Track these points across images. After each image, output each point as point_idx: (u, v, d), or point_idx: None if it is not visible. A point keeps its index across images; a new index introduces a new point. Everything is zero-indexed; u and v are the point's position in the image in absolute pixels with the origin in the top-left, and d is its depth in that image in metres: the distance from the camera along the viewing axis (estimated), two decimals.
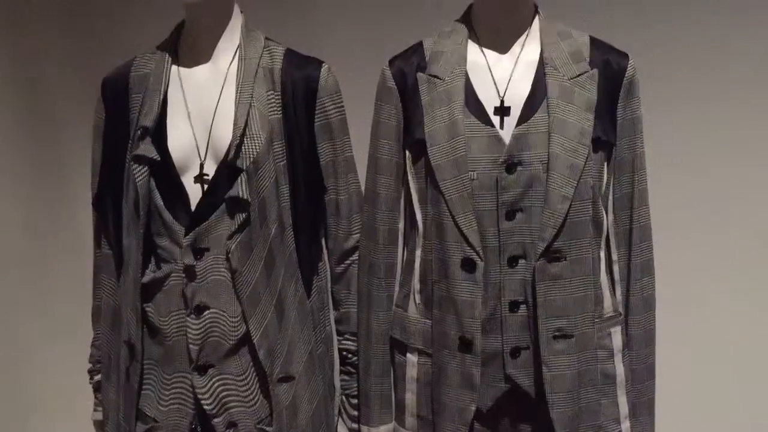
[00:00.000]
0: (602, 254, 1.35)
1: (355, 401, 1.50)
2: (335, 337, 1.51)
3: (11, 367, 1.91)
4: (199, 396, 1.35)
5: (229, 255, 1.32)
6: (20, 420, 1.92)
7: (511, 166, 1.27)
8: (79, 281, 1.83)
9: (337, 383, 1.50)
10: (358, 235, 1.47)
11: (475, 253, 1.27)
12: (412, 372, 1.39)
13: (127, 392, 1.40)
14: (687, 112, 2.03)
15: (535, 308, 1.27)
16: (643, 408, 1.39)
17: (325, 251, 1.49)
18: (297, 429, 1.38)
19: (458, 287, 1.29)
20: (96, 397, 1.53)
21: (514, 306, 1.29)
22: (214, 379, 1.35)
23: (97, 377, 1.50)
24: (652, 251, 1.40)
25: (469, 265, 1.28)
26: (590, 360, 1.30)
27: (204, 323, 1.34)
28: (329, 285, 1.50)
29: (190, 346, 1.34)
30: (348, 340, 1.50)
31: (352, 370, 1.50)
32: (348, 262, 1.49)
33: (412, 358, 1.39)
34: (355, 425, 1.50)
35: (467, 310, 1.28)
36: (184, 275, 1.34)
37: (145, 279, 1.36)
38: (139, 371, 1.38)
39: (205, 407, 1.35)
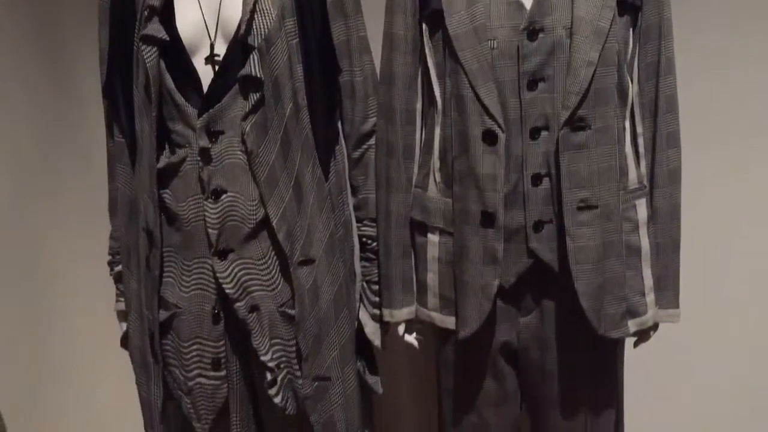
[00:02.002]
0: (627, 125, 1.31)
1: (375, 287, 1.49)
2: (354, 224, 1.49)
3: (30, 274, 1.93)
4: (221, 280, 1.35)
5: (245, 136, 1.29)
6: (38, 324, 1.95)
7: (532, 33, 1.22)
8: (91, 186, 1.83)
9: (358, 269, 1.49)
10: (374, 118, 1.44)
11: (496, 125, 1.24)
12: (433, 252, 1.38)
13: (148, 281, 1.40)
14: None
15: (559, 180, 1.25)
16: (667, 281, 1.38)
17: (341, 135, 1.46)
18: (319, 312, 1.38)
19: (479, 161, 1.26)
20: (117, 288, 1.53)
21: (536, 179, 1.26)
22: (234, 264, 1.35)
23: (118, 268, 1.50)
24: (678, 122, 1.35)
25: (490, 138, 1.25)
26: (615, 232, 1.28)
27: (222, 207, 1.32)
28: (347, 170, 1.48)
29: (209, 230, 1.33)
30: (367, 226, 1.49)
31: (372, 257, 1.49)
32: (365, 146, 1.46)
33: (433, 238, 1.38)
34: (376, 311, 1.50)
35: (489, 184, 1.26)
36: (199, 159, 1.31)
37: (160, 164, 1.34)
38: (159, 259, 1.38)
39: (227, 291, 1.35)
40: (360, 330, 1.51)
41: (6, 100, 1.81)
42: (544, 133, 1.25)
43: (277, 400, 1.39)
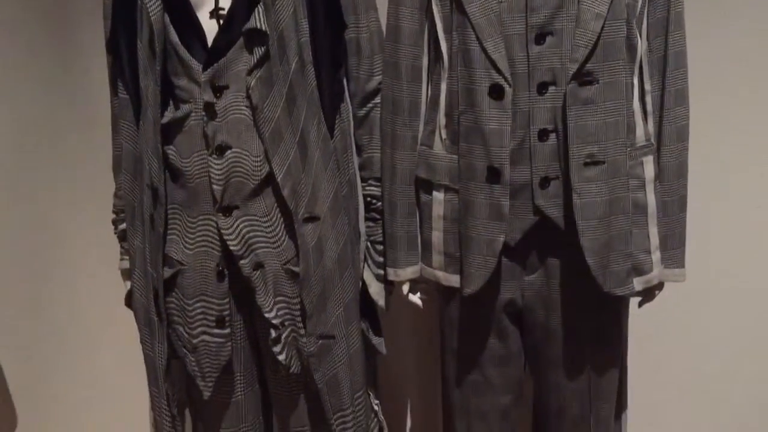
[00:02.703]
0: (635, 81, 1.30)
1: (380, 247, 1.49)
2: (359, 183, 1.48)
3: (30, 233, 1.93)
4: (225, 237, 1.34)
5: (250, 91, 1.28)
6: (39, 281, 1.95)
7: None
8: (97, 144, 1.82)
9: (362, 229, 1.49)
10: (380, 76, 1.43)
11: (503, 79, 1.23)
12: (438, 210, 1.37)
13: (153, 238, 1.39)
14: None
15: (566, 136, 1.24)
16: (674, 240, 1.37)
17: (346, 93, 1.45)
18: (323, 269, 1.38)
19: (486, 116, 1.25)
20: (122, 246, 1.53)
21: (543, 135, 1.25)
22: (239, 220, 1.34)
23: (122, 226, 1.50)
24: (687, 80, 1.34)
25: (497, 92, 1.24)
26: (621, 188, 1.27)
27: (226, 163, 1.32)
28: (352, 129, 1.47)
29: (214, 186, 1.33)
30: (372, 185, 1.48)
31: (377, 216, 1.49)
32: (370, 105, 1.45)
33: (438, 195, 1.37)
34: (380, 271, 1.50)
35: (495, 139, 1.25)
36: (204, 114, 1.31)
37: (165, 119, 1.33)
38: (164, 216, 1.38)
39: (231, 248, 1.35)
40: (364, 290, 1.51)
41: (6, 58, 1.80)
42: (551, 88, 1.24)
43: (281, 357, 1.40)
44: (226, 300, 1.40)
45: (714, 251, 1.79)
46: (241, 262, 1.36)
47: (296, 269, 1.37)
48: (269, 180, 1.33)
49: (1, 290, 1.93)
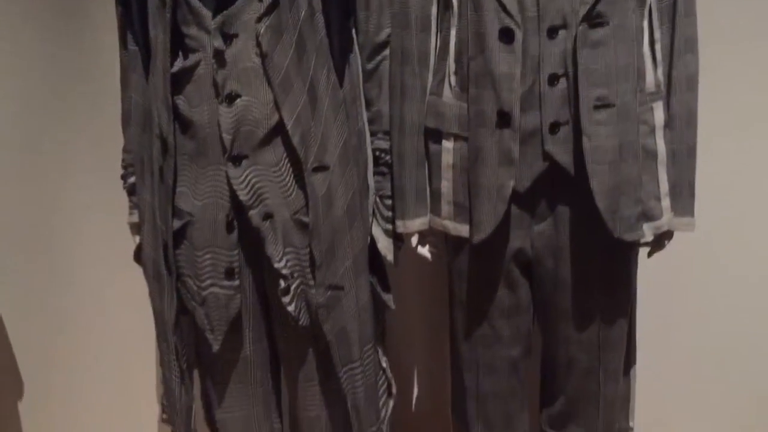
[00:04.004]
0: (645, 25, 1.30)
1: (389, 202, 1.49)
2: (368, 136, 1.48)
3: (37, 194, 1.93)
4: (235, 187, 1.34)
5: (259, 38, 1.29)
6: (48, 240, 1.96)
7: None
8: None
9: (371, 183, 1.49)
10: (389, 29, 1.43)
11: (513, 22, 1.23)
12: (447, 159, 1.38)
13: (162, 190, 1.39)
14: None
15: (576, 80, 1.24)
16: (683, 188, 1.37)
17: (356, 44, 1.45)
18: (333, 220, 1.38)
19: (496, 60, 1.25)
20: (131, 201, 1.53)
21: (553, 79, 1.25)
22: (248, 170, 1.34)
23: (131, 180, 1.50)
24: (696, 28, 1.34)
25: (507, 36, 1.24)
26: (631, 133, 1.27)
27: (236, 112, 1.32)
28: (361, 81, 1.47)
29: (223, 135, 1.33)
30: (380, 139, 1.48)
31: (386, 170, 1.49)
32: (379, 58, 1.45)
33: (447, 144, 1.37)
34: (389, 226, 1.50)
35: (505, 83, 1.25)
36: (214, 62, 1.31)
37: (174, 69, 1.33)
38: (173, 167, 1.38)
39: (241, 198, 1.35)
40: (373, 246, 1.51)
41: (11, 28, 1.80)
42: (561, 32, 1.24)
43: (290, 308, 1.40)
44: (236, 252, 1.40)
45: (724, 202, 1.79)
46: (251, 212, 1.36)
47: (306, 219, 1.37)
48: (279, 129, 1.33)
49: (7, 249, 1.95)
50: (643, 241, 1.40)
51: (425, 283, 1.88)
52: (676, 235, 1.44)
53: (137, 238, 1.52)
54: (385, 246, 1.51)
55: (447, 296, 1.54)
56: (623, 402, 1.53)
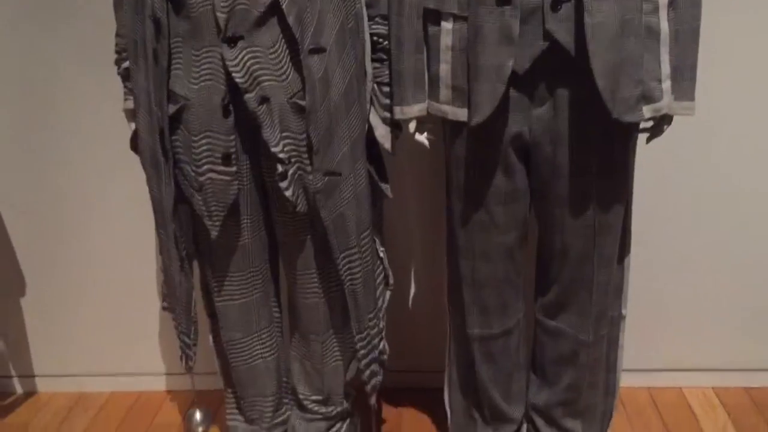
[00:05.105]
0: None
1: (386, 89, 1.47)
2: (366, 19, 1.45)
3: (33, 83, 1.91)
4: (230, 69, 1.32)
5: None
6: (43, 131, 1.96)
7: None
8: None
9: (369, 69, 1.47)
10: None
11: None
12: (446, 40, 1.35)
13: (157, 73, 1.37)
14: None
15: None
16: (685, 71, 1.35)
17: None
18: (330, 103, 1.37)
19: None
20: (125, 86, 1.51)
21: None
22: (244, 51, 1.32)
23: (125, 64, 1.48)
24: None
25: None
26: (634, 10, 1.24)
27: None
28: None
29: (218, 14, 1.30)
30: (378, 24, 1.45)
31: (383, 57, 1.47)
32: None
33: (446, 25, 1.34)
34: (387, 114, 1.49)
35: None
36: None
37: None
38: (167, 50, 1.35)
39: (237, 80, 1.33)
40: (370, 134, 1.50)
41: None
42: None
43: (288, 193, 1.40)
44: (232, 137, 1.39)
45: (725, 88, 1.77)
46: (247, 95, 1.34)
47: (302, 103, 1.35)
48: (274, 9, 1.30)
49: (7, 146, 1.95)
50: (642, 126, 1.40)
51: (423, 173, 1.87)
52: (674, 122, 1.43)
53: (133, 125, 1.51)
54: (382, 134, 1.51)
55: (444, 185, 1.54)
56: (617, 290, 1.55)
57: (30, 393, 2.23)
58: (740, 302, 1.96)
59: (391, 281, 1.65)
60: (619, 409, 1.96)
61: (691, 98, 1.37)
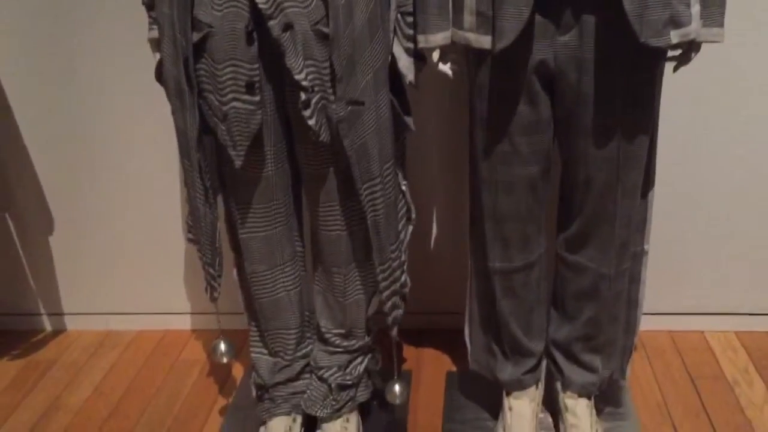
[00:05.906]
0: None
1: (410, 19, 1.46)
2: None
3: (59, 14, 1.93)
4: None
5: None
6: (71, 60, 1.97)
7: None
8: None
9: None
10: None
11: None
12: None
13: (180, 1, 1.38)
14: None
15: None
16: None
17: None
18: (353, 31, 1.36)
19: None
20: (150, 16, 1.52)
21: None
22: None
23: None
24: None
25: None
26: None
27: None
28: None
29: None
30: None
31: None
32: None
33: None
34: (410, 45, 1.48)
35: None
36: None
37: None
38: None
39: (261, 7, 1.33)
40: (393, 66, 1.49)
41: None
42: None
43: (311, 122, 1.40)
44: (256, 66, 1.39)
45: (754, 16, 1.73)
46: (270, 22, 1.34)
47: (326, 30, 1.35)
48: None
49: (35, 84, 1.96)
50: (669, 54, 1.38)
51: (445, 108, 1.86)
52: (702, 50, 1.40)
53: (157, 56, 1.52)
54: (406, 65, 1.50)
55: (467, 117, 1.53)
56: (639, 224, 1.55)
57: (59, 330, 2.29)
58: (764, 246, 1.94)
59: (414, 215, 1.65)
60: (639, 351, 1.96)
61: (720, 24, 1.35)
